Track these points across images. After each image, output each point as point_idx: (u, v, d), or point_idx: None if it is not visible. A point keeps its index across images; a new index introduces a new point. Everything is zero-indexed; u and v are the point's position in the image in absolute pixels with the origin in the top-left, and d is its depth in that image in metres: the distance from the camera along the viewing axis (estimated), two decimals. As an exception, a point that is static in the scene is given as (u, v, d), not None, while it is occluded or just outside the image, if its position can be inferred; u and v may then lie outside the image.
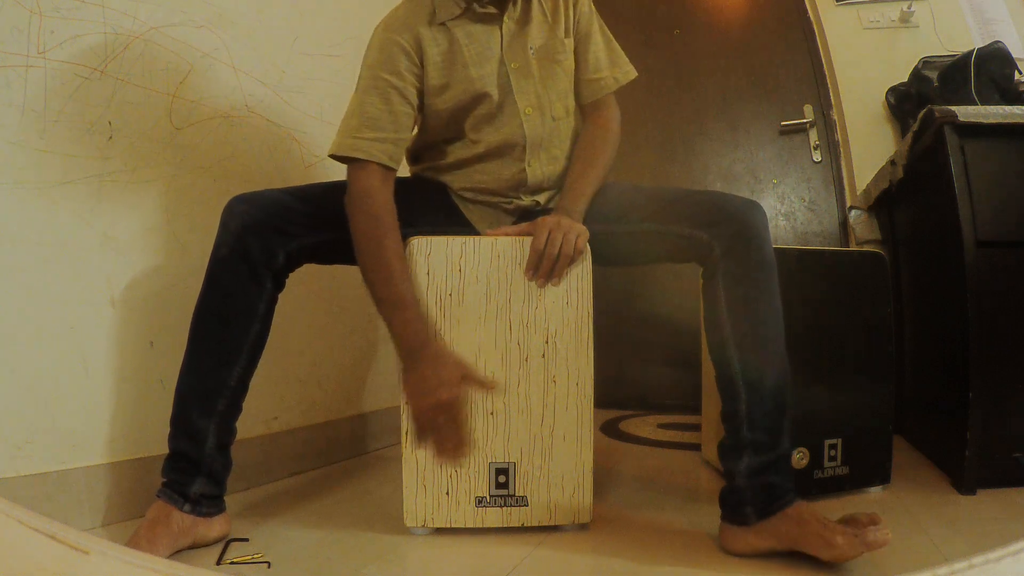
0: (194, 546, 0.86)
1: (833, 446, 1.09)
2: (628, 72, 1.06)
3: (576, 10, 1.02)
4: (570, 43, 1.02)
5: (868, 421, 1.12)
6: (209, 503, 0.88)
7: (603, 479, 1.25)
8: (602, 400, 2.11)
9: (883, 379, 1.13)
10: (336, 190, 0.93)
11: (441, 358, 0.85)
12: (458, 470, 0.91)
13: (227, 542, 0.88)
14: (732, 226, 0.86)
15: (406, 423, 0.89)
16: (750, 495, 0.83)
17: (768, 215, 2.22)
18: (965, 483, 1.09)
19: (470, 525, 0.92)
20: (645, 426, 1.88)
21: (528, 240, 0.91)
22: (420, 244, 0.92)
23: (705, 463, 1.38)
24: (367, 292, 0.89)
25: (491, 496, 0.92)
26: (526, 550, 0.87)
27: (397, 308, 0.85)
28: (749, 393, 0.84)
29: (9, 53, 0.88)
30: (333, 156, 0.95)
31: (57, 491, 0.90)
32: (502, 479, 0.92)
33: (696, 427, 1.66)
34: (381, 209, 0.89)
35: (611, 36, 1.06)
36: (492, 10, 0.95)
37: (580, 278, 0.92)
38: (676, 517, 1.02)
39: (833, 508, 1.02)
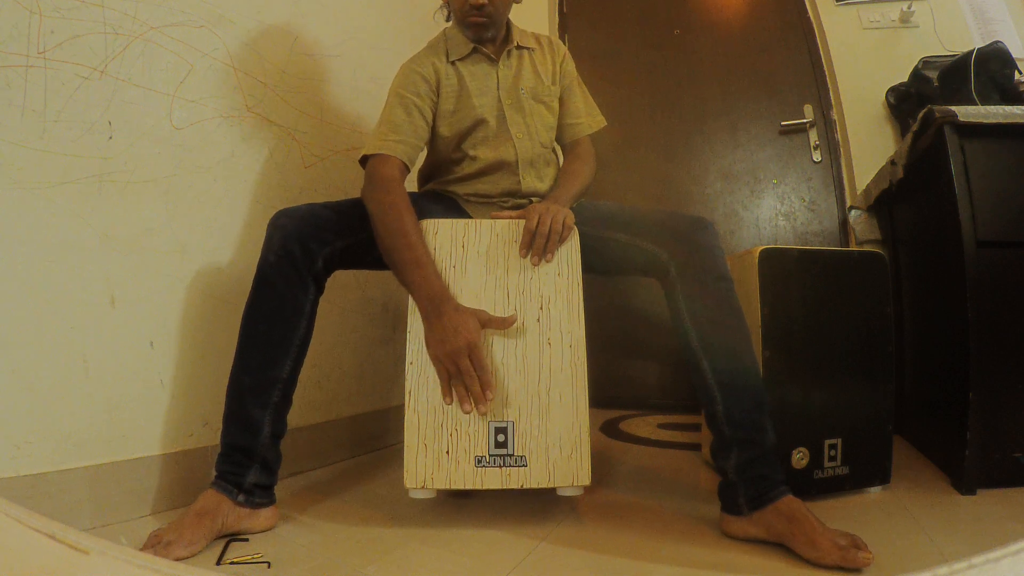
0: (238, 536, 0.91)
1: (833, 446, 1.09)
2: (600, 121, 1.26)
3: (563, 67, 1.23)
4: (556, 90, 1.21)
5: (868, 421, 1.12)
6: (262, 493, 0.95)
7: (603, 478, 1.26)
8: (602, 400, 2.15)
9: (883, 379, 1.13)
10: (360, 202, 1.05)
11: (460, 308, 0.94)
12: (458, 428, 0.94)
13: (227, 542, 0.88)
14: (683, 246, 0.96)
15: (411, 382, 0.95)
16: (742, 488, 0.89)
17: (768, 215, 2.24)
18: (965, 483, 1.09)
19: (470, 486, 0.93)
20: (645, 426, 1.88)
21: (523, 223, 1.01)
22: (428, 225, 1.02)
23: (705, 463, 1.38)
24: (388, 262, 0.98)
25: (490, 456, 0.94)
26: (526, 549, 0.87)
27: (418, 267, 0.95)
28: (724, 395, 0.92)
29: (9, 53, 0.88)
30: (363, 158, 1.08)
31: (57, 491, 0.90)
32: (501, 438, 0.94)
33: (696, 427, 1.67)
34: (400, 191, 1.02)
35: (587, 91, 1.27)
36: (492, 56, 1.16)
37: (570, 252, 1.01)
38: (676, 517, 1.02)
39: (833, 508, 1.02)
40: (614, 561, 0.84)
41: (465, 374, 0.92)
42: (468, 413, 0.93)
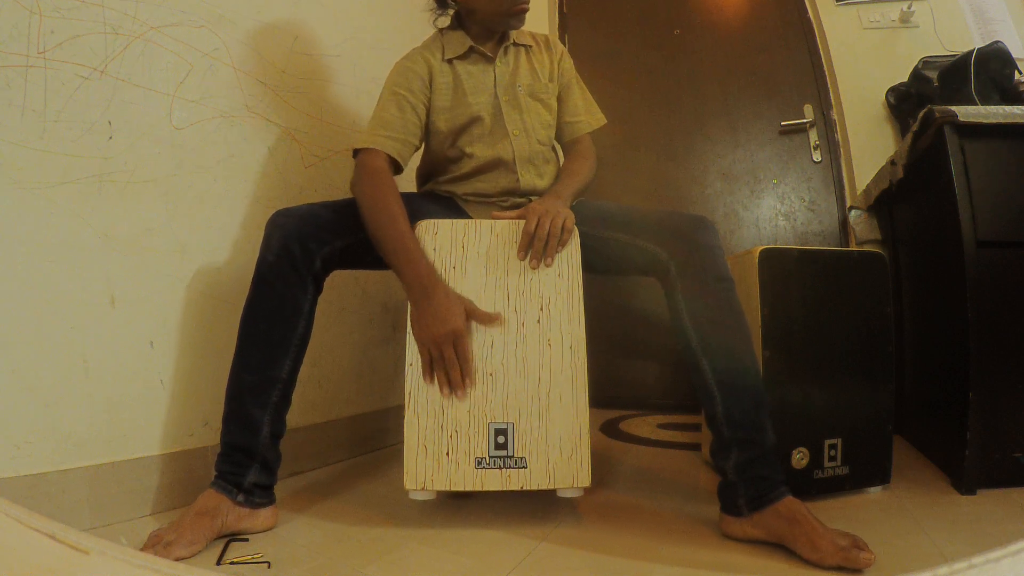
0: (238, 536, 0.91)
1: (833, 446, 1.09)
2: (600, 119, 1.25)
3: (560, 65, 1.23)
4: (553, 87, 1.21)
5: (868, 421, 1.12)
6: (262, 493, 0.95)
7: (603, 479, 1.26)
8: (602, 400, 2.15)
9: (883, 379, 1.13)
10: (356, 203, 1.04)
11: (449, 294, 0.94)
12: (458, 430, 0.94)
13: (227, 542, 0.88)
14: (683, 245, 0.96)
15: (410, 384, 0.95)
16: (742, 489, 0.89)
17: (768, 215, 2.24)
18: (965, 483, 1.09)
19: (470, 488, 0.93)
20: (645, 426, 1.88)
21: (522, 223, 1.00)
22: (428, 225, 1.01)
23: (705, 463, 1.38)
24: (378, 248, 0.97)
25: (490, 457, 0.94)
26: (526, 550, 0.87)
27: (406, 253, 0.95)
28: (723, 395, 0.91)
29: (9, 53, 0.88)
30: (354, 152, 1.08)
31: (57, 491, 0.90)
32: (501, 439, 0.94)
33: (696, 427, 1.67)
34: (387, 181, 1.02)
35: (586, 89, 1.26)
36: (489, 54, 1.15)
37: (570, 253, 1.00)
38: (676, 517, 1.02)
39: (833, 508, 1.02)
40: (614, 561, 0.84)
41: (448, 362, 0.93)
42: (446, 397, 0.94)
